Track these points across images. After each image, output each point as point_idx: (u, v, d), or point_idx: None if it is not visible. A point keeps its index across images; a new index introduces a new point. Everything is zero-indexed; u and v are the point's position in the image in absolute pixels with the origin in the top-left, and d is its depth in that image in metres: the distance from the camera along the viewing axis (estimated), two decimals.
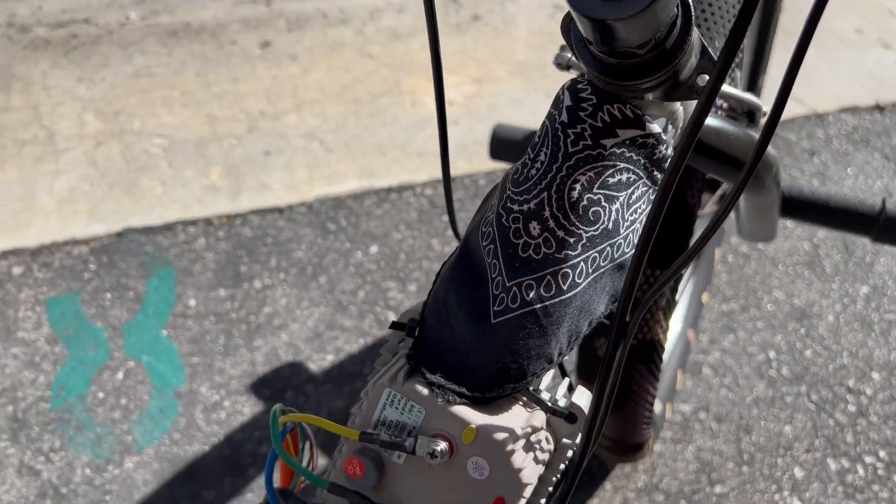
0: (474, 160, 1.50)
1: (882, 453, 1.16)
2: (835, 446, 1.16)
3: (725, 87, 0.60)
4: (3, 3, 1.75)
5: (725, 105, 0.62)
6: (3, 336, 1.16)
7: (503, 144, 0.91)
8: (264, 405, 1.11)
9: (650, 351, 0.71)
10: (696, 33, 0.39)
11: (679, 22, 0.37)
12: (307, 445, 0.50)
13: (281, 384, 1.14)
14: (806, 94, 1.80)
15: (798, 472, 1.13)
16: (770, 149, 0.65)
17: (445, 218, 1.42)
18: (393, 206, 1.42)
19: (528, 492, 0.45)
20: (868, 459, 1.15)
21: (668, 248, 0.65)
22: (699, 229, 1.14)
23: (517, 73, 1.74)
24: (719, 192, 0.99)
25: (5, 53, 1.63)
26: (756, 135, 0.66)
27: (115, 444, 1.06)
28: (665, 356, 1.12)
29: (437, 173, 1.48)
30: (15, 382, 1.11)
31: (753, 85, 1.14)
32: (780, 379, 1.24)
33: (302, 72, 1.67)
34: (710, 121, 0.58)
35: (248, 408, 1.11)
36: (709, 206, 1.09)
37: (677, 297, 1.12)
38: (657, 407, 1.03)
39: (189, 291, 1.25)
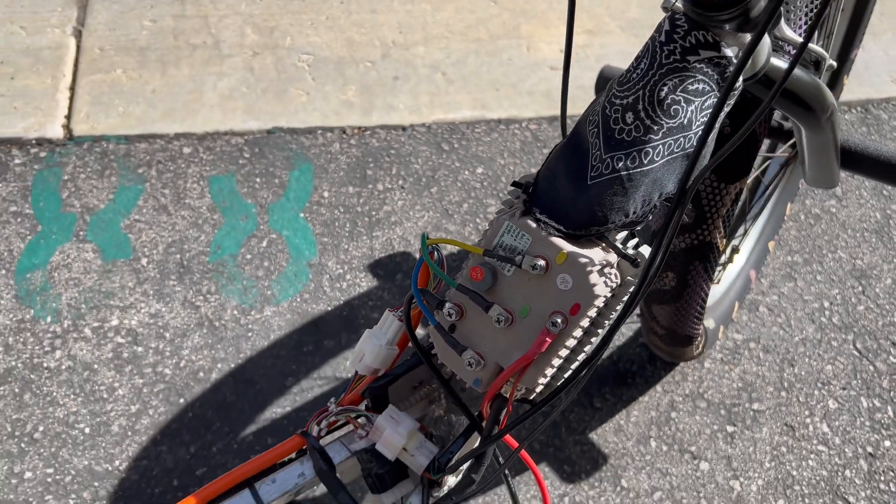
0: (576, 104, 1.66)
1: None
2: (870, 388, 1.30)
3: (792, 34, 0.75)
4: None
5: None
6: (175, 200, 1.43)
7: (608, 82, 1.07)
8: (378, 282, 1.34)
9: (707, 251, 0.88)
10: None
11: None
12: (440, 262, 0.70)
13: (393, 267, 1.36)
14: None
15: (832, 404, 1.28)
16: (827, 92, 0.79)
17: (545, 150, 1.60)
18: (500, 136, 1.61)
19: (598, 302, 0.64)
20: None
21: (733, 163, 0.81)
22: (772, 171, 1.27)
23: (628, 28, 1.87)
24: (792, 141, 1.13)
25: None
26: (822, 84, 0.81)
27: (258, 296, 1.32)
28: (725, 283, 1.28)
29: (542, 111, 1.66)
30: (182, 237, 1.38)
31: (845, 57, 1.25)
32: (829, 325, 1.37)
33: (433, 9, 1.86)
34: (777, 61, 0.74)
35: (365, 282, 1.34)
36: (781, 150, 1.23)
37: (741, 233, 1.27)
38: (710, 324, 1.19)
39: (324, 185, 1.48)
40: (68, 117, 1.53)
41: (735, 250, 1.33)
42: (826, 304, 1.40)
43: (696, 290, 0.92)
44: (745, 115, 0.82)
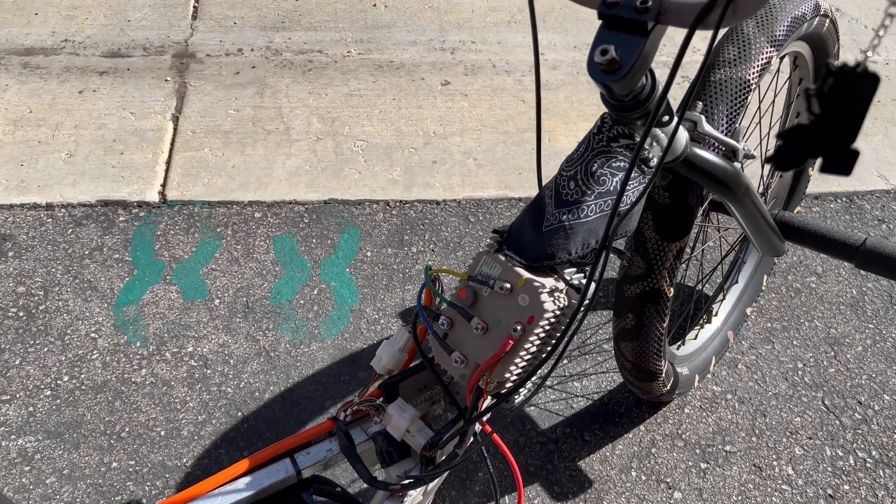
0: None
1: (875, 453, 1.45)
2: (834, 439, 1.47)
3: (712, 131, 1.01)
4: (264, 33, 2.40)
5: (716, 144, 1.03)
6: (245, 254, 1.73)
7: None
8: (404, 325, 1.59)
9: (657, 297, 1.11)
10: (660, 88, 0.82)
11: (648, 83, 0.80)
12: (440, 287, 0.96)
13: None
14: (892, 174, 2.07)
15: (798, 451, 1.45)
16: (741, 174, 1.03)
17: None
18: (518, 210, 1.88)
19: (548, 315, 0.88)
20: (861, 454, 1.45)
21: (672, 226, 1.06)
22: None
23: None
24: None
25: (262, 68, 2.26)
26: (738, 168, 1.05)
27: (307, 333, 1.58)
28: (701, 339, 1.49)
29: None
30: (249, 284, 1.67)
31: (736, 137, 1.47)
32: (801, 383, 1.56)
33: (469, 106, 2.18)
34: (699, 150, 0.99)
35: (396, 325, 1.59)
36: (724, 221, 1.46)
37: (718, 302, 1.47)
38: (684, 371, 1.40)
39: (368, 246, 1.76)
40: (164, 185, 1.87)
41: (713, 312, 1.54)
42: (800, 366, 1.59)
43: (651, 329, 1.14)
44: (682, 190, 1.07)
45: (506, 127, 2.12)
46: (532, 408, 1.49)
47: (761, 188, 1.48)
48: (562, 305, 0.89)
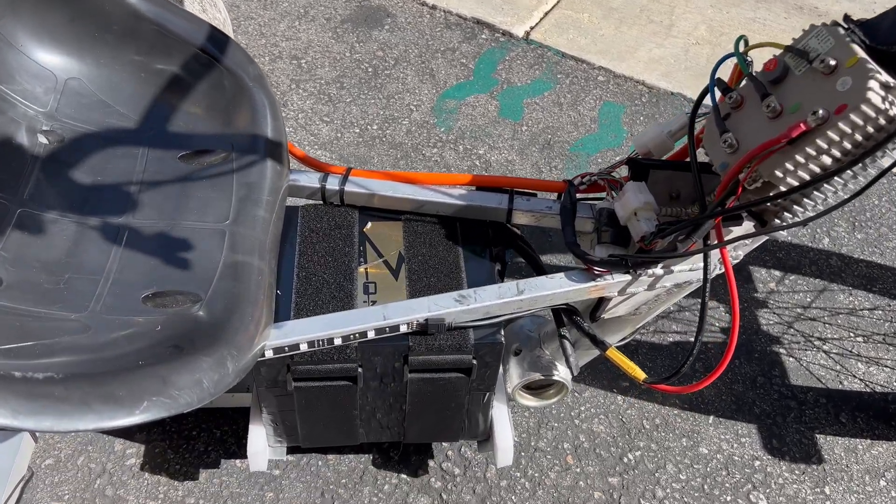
0: None
1: None
2: None
3: None
4: None
5: None
6: (570, 103, 1.69)
7: None
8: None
9: None
10: None
11: None
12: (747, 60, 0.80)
13: None
14: None
15: None
16: None
17: None
18: None
19: (866, 108, 0.66)
20: None
21: None
22: None
23: None
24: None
25: None
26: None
27: None
28: None
29: None
30: (559, 126, 1.63)
31: None
32: None
33: None
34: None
35: None
36: None
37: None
38: None
39: None
40: (532, 28, 1.91)
41: None
42: None
43: None
44: None
45: None
46: (791, 359, 1.22)
47: None
48: (890, 112, 0.68)
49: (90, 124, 0.93)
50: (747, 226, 0.84)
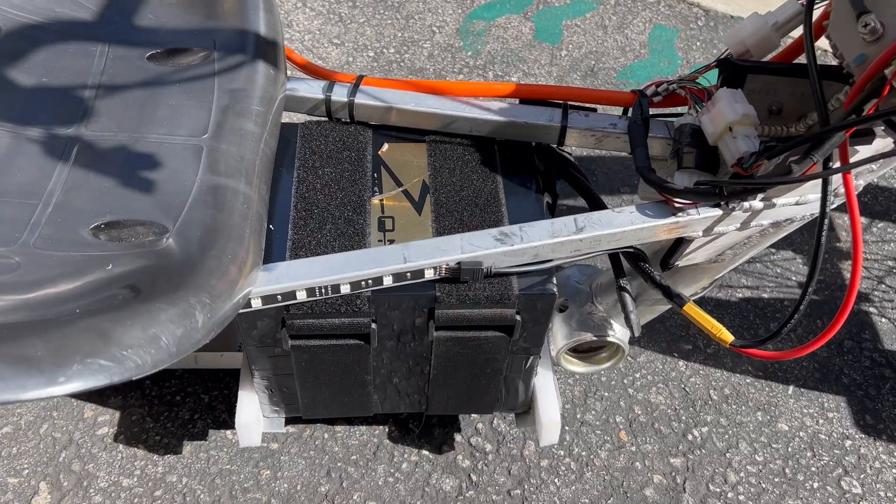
0: None
1: None
2: None
3: None
4: None
5: None
6: (616, 26, 1.48)
7: None
8: None
9: None
10: None
11: None
12: None
13: None
14: None
15: None
16: None
17: None
18: None
19: None
20: None
21: None
22: None
23: None
24: None
25: None
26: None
27: None
28: None
29: None
30: (604, 51, 1.42)
31: None
32: None
33: None
34: None
35: None
36: None
37: None
38: None
39: None
40: None
41: None
42: None
43: None
44: None
45: None
46: (883, 320, 1.03)
47: None
48: None
49: (35, 14, 0.73)
50: (880, 143, 0.64)
